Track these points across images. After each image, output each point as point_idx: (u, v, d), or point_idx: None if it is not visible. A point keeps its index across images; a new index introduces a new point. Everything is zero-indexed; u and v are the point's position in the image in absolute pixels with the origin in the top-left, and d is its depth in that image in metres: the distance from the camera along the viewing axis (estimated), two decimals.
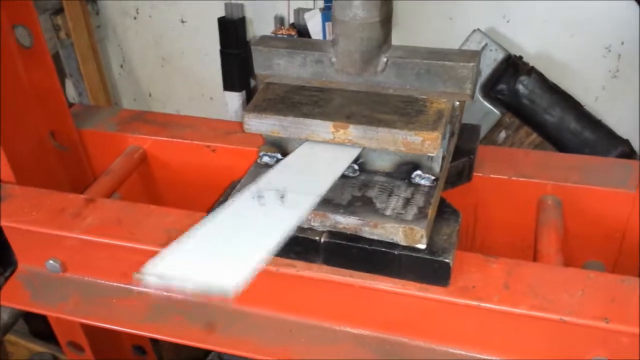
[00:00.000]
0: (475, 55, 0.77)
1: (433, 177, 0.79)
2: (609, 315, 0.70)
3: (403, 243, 0.74)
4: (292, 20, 1.86)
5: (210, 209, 0.82)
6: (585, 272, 0.77)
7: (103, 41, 2.19)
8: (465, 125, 0.96)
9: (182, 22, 2.06)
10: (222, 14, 1.87)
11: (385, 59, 0.79)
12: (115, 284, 0.93)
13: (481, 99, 1.68)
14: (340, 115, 0.78)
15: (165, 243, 0.83)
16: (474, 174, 0.95)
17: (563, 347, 0.75)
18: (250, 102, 0.84)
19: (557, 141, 1.64)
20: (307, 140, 0.80)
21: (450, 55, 0.78)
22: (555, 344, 0.75)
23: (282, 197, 0.71)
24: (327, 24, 1.72)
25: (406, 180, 0.80)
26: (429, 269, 0.74)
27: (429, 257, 0.74)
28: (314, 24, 1.77)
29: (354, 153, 0.79)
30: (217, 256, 0.60)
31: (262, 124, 0.81)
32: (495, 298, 0.74)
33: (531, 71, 1.60)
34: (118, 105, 2.33)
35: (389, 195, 0.78)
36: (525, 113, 1.63)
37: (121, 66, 2.26)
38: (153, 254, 0.84)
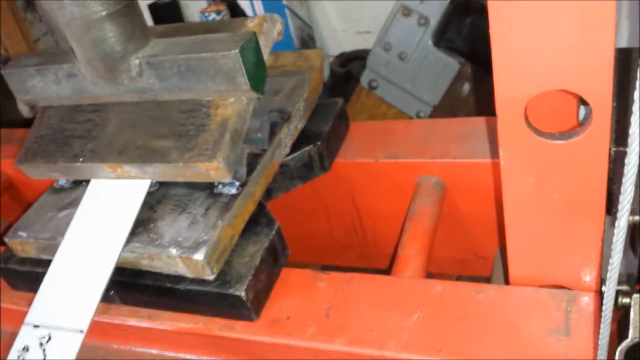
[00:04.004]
0: (243, 38, 0.59)
1: (239, 183, 0.63)
2: (443, 347, 0.53)
3: (189, 275, 0.60)
4: None
5: None
6: (433, 283, 0.59)
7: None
8: (321, 104, 0.79)
9: None
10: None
11: (137, 61, 0.62)
12: None
13: (435, 50, 1.46)
14: (113, 149, 0.65)
15: None
16: (340, 160, 0.78)
17: None
18: (24, 143, 0.70)
19: None
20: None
21: (214, 43, 0.59)
22: None
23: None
24: None
25: (208, 190, 0.64)
26: (225, 303, 0.59)
27: (217, 290, 0.59)
28: None
29: (145, 184, 0.65)
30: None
31: (37, 172, 0.70)
32: (308, 332, 0.58)
33: (482, 9, 1.36)
34: None
35: (180, 213, 0.63)
36: (485, 59, 1.40)
37: None
38: None
